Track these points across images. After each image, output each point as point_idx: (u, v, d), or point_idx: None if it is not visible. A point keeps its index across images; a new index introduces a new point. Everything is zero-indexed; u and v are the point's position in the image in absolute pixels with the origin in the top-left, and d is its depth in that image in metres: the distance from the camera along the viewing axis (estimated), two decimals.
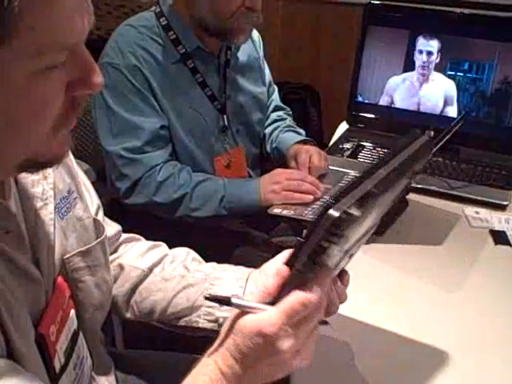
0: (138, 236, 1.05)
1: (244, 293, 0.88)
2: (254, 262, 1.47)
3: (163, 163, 1.45)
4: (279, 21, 3.12)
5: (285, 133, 1.71)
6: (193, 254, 1.01)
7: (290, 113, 1.85)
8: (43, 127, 0.59)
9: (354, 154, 1.62)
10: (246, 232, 1.60)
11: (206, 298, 0.66)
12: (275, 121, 1.78)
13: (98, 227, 0.86)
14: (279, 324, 0.60)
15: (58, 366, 0.73)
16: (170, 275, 0.95)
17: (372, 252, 1.18)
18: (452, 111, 1.68)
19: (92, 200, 0.90)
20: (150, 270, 0.96)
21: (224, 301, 0.64)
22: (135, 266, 0.96)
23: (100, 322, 0.88)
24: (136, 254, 0.99)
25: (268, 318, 0.61)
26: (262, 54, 1.73)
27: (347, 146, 1.66)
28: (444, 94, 1.68)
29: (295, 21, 3.12)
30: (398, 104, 1.72)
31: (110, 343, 1.52)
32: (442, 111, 1.69)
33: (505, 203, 1.41)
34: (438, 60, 1.67)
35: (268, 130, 1.75)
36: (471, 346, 0.96)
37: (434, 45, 1.66)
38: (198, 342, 1.23)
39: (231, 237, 1.55)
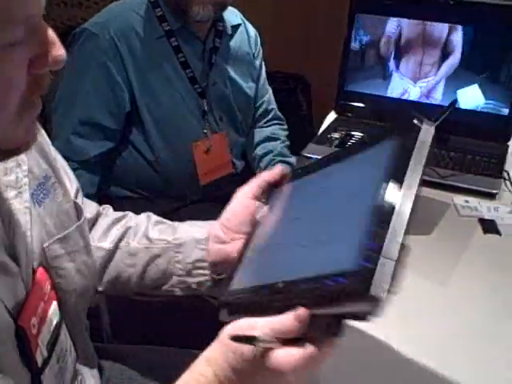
0: (106, 208, 1.04)
1: (208, 253, 0.89)
2: None
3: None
4: (270, 10, 3.10)
5: (274, 165, 1.70)
6: (153, 218, 0.99)
7: (286, 127, 1.85)
8: (6, 112, 0.56)
9: (342, 144, 1.60)
10: None
11: (232, 339, 0.62)
12: (269, 139, 1.76)
13: (79, 211, 0.85)
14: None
15: (40, 359, 0.72)
16: (135, 249, 0.94)
17: None
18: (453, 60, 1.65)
19: (71, 183, 0.89)
20: (116, 247, 0.95)
21: (250, 340, 0.61)
22: (99, 247, 0.95)
23: (84, 309, 0.87)
24: (100, 232, 0.97)
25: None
26: (257, 51, 1.71)
27: (335, 135, 1.64)
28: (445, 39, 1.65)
29: (286, 9, 3.09)
30: (389, 92, 1.71)
31: (98, 338, 1.51)
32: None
33: (494, 191, 1.40)
34: None
35: (259, 152, 1.74)
36: (461, 335, 0.95)
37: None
38: (186, 336, 1.23)
39: None
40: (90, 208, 0.99)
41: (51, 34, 0.58)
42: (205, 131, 1.58)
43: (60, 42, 0.59)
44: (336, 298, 0.56)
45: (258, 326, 0.62)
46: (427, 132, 0.64)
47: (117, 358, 1.06)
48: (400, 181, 0.60)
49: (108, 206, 1.06)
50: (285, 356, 0.60)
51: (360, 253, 0.55)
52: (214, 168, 1.61)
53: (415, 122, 0.65)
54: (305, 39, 3.11)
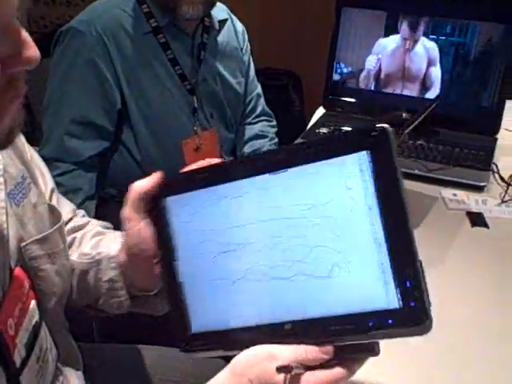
0: (78, 213, 1.00)
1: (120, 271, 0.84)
2: None
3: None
4: (259, 5, 3.09)
5: None
6: (96, 228, 0.94)
7: (274, 123, 1.83)
8: None
9: None
10: None
11: (278, 370, 0.60)
12: (257, 137, 1.75)
13: (54, 213, 0.84)
14: None
15: (18, 360, 0.71)
16: (73, 263, 0.89)
17: None
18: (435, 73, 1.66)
19: (46, 184, 0.88)
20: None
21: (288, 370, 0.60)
22: None
23: (63, 310, 0.86)
24: None
25: None
26: (245, 46, 1.70)
27: (323, 130, 1.64)
28: (428, 57, 1.65)
29: (275, 5, 3.09)
30: (378, 87, 1.70)
31: (88, 338, 1.51)
32: (425, 75, 1.66)
33: (482, 184, 1.40)
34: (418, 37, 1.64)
35: (247, 150, 1.73)
36: (448, 329, 0.95)
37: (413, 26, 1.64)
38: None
39: None
40: (65, 210, 0.95)
41: (24, 34, 0.57)
42: (195, 128, 1.57)
43: (34, 41, 0.58)
44: (383, 333, 0.58)
45: (283, 355, 0.60)
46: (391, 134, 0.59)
47: (104, 359, 1.05)
48: (398, 202, 0.58)
49: (81, 210, 1.02)
50: (315, 381, 0.60)
51: (401, 293, 0.57)
52: None
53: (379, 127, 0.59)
54: (295, 35, 3.11)
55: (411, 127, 1.19)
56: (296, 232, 0.62)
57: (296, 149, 0.64)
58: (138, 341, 1.16)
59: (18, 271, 0.73)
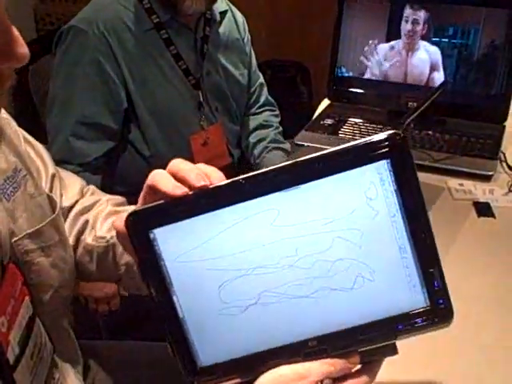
0: (88, 191, 1.01)
1: None
2: None
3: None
4: None
5: (269, 152, 1.67)
6: (109, 207, 0.95)
7: (278, 112, 1.82)
8: None
9: (335, 130, 1.58)
10: None
11: None
12: (262, 127, 1.74)
13: (53, 203, 0.83)
14: None
15: (11, 357, 0.70)
16: (89, 246, 0.91)
17: None
18: (438, 78, 1.63)
19: (47, 170, 0.87)
20: (77, 242, 0.93)
21: None
22: None
23: (65, 302, 0.85)
24: (69, 222, 0.95)
25: None
26: (245, 37, 1.68)
27: (328, 121, 1.62)
28: (430, 62, 1.63)
29: None
30: (383, 76, 1.68)
31: (96, 335, 1.51)
32: (428, 79, 1.64)
33: (490, 173, 1.37)
34: (423, 30, 1.62)
35: (252, 140, 1.72)
36: (455, 317, 0.93)
37: (419, 15, 1.61)
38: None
39: None
40: (72, 192, 0.96)
41: (14, 31, 0.56)
42: (201, 123, 1.56)
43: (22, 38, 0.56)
44: (412, 333, 0.61)
45: (312, 372, 0.60)
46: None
47: (106, 355, 1.05)
48: (419, 206, 0.60)
49: (90, 187, 1.02)
50: None
51: (429, 293, 0.60)
52: (211, 160, 1.59)
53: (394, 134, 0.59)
54: (303, 26, 3.08)
55: (415, 114, 1.17)
56: (314, 248, 0.61)
57: (308, 163, 0.60)
58: (145, 338, 1.15)
59: (10, 268, 0.73)
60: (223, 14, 1.60)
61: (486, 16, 1.55)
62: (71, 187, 0.97)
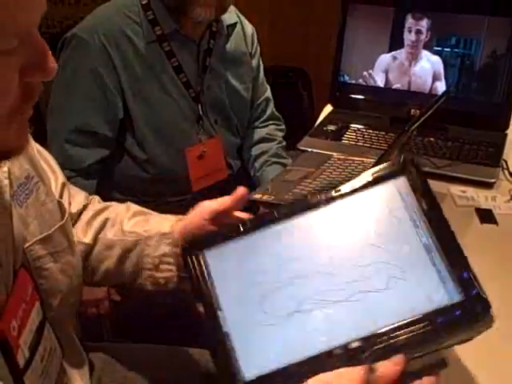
0: (93, 199, 1.04)
1: (174, 248, 0.89)
2: None
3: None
4: (267, 3, 3.08)
5: (269, 166, 1.68)
6: (133, 208, 1.00)
7: (283, 127, 1.82)
8: None
9: (338, 136, 1.59)
10: None
11: None
12: (265, 140, 1.74)
13: (62, 210, 0.85)
14: None
15: (22, 361, 0.71)
16: (111, 242, 0.94)
17: None
18: (441, 87, 1.64)
19: (57, 178, 0.88)
20: (94, 240, 0.96)
21: None
22: (80, 241, 0.95)
23: (72, 308, 0.86)
24: (81, 226, 0.97)
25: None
26: (254, 50, 1.68)
27: (331, 128, 1.63)
28: (433, 71, 1.65)
29: (284, 2, 3.07)
30: (386, 83, 1.69)
31: (97, 337, 1.51)
32: (430, 88, 1.65)
33: (492, 181, 1.38)
34: (426, 38, 1.63)
35: (254, 152, 1.72)
36: None
37: (422, 24, 1.62)
38: (185, 333, 1.22)
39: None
40: (78, 199, 0.99)
41: (44, 45, 0.59)
42: (199, 136, 1.56)
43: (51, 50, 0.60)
44: (453, 328, 0.64)
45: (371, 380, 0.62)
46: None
47: (110, 356, 1.05)
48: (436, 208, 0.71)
49: (95, 196, 1.05)
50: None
51: (461, 285, 0.65)
52: (208, 174, 1.60)
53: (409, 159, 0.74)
54: (304, 32, 3.09)
55: (419, 122, 1.18)
56: (346, 256, 0.69)
57: (335, 195, 0.73)
58: (149, 340, 1.16)
59: (21, 273, 0.74)
60: (232, 26, 1.60)
61: (487, 25, 1.56)
62: (77, 195, 1.01)
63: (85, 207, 1.00)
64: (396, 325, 0.63)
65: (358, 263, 0.68)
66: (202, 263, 0.75)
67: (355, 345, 0.63)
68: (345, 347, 0.64)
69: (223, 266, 0.74)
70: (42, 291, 0.78)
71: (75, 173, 1.46)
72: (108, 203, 1.02)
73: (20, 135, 0.63)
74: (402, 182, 0.71)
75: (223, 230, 0.77)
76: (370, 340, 0.63)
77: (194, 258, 0.76)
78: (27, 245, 0.76)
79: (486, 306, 0.64)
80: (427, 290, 0.65)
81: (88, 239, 0.96)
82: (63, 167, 1.42)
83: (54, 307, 0.80)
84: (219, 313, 0.70)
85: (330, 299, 0.67)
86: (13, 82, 0.57)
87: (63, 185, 0.91)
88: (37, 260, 0.77)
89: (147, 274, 0.92)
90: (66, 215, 0.86)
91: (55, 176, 0.90)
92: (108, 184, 1.57)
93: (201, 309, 0.70)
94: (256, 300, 0.70)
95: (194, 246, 0.77)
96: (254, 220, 0.77)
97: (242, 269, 0.73)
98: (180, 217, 0.93)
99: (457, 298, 0.64)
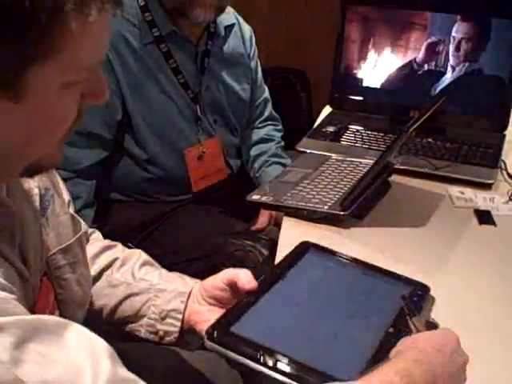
0: (95, 232, 1.05)
1: (185, 308, 0.90)
2: (234, 251, 1.47)
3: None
4: (266, 4, 3.08)
5: (269, 166, 1.68)
6: (144, 256, 1.00)
7: (281, 127, 1.83)
8: (55, 139, 0.62)
9: (336, 137, 1.59)
10: (226, 220, 1.58)
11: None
12: (263, 140, 1.75)
13: (76, 223, 0.86)
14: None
15: None
16: (117, 281, 0.94)
17: (353, 236, 1.16)
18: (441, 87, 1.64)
19: (65, 195, 0.89)
20: (100, 274, 0.96)
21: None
22: None
23: (80, 320, 0.86)
24: (89, 256, 0.97)
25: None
26: (252, 51, 1.69)
27: (330, 129, 1.63)
28: (432, 72, 1.64)
29: (282, 4, 3.07)
30: (385, 85, 1.69)
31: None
32: (430, 89, 1.65)
33: (490, 182, 1.38)
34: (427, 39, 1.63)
35: (253, 153, 1.73)
36: (456, 326, 0.94)
37: (423, 24, 1.62)
38: None
39: (211, 225, 1.53)
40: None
41: (104, 77, 0.65)
42: (198, 136, 1.57)
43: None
44: None
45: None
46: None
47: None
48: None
49: (96, 230, 1.06)
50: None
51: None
52: (207, 174, 1.60)
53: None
54: (303, 33, 3.10)
55: (419, 122, 1.18)
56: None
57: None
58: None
59: (45, 281, 0.75)
60: (229, 28, 1.60)
61: (492, 26, 1.56)
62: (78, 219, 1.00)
63: (91, 234, 1.01)
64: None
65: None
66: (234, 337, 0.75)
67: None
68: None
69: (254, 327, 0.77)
70: (60, 301, 0.79)
71: (75, 173, 1.46)
72: (114, 242, 1.03)
73: (60, 151, 0.67)
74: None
75: (242, 301, 0.82)
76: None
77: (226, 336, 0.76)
78: (50, 253, 0.77)
79: None
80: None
81: (94, 272, 0.96)
82: (62, 169, 1.45)
83: (68, 318, 0.80)
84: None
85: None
86: (75, 109, 0.61)
87: (69, 202, 0.91)
88: (57, 269, 0.78)
89: (148, 323, 0.92)
90: (83, 227, 0.87)
91: (65, 192, 0.91)
92: (107, 185, 1.57)
93: None
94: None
95: (222, 326, 0.76)
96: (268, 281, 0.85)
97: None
98: (196, 280, 0.94)
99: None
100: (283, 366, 0.68)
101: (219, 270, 1.43)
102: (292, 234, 1.16)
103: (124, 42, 1.43)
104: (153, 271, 0.97)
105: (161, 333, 0.91)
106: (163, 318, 0.91)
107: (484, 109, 1.61)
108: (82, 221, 0.89)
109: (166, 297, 0.91)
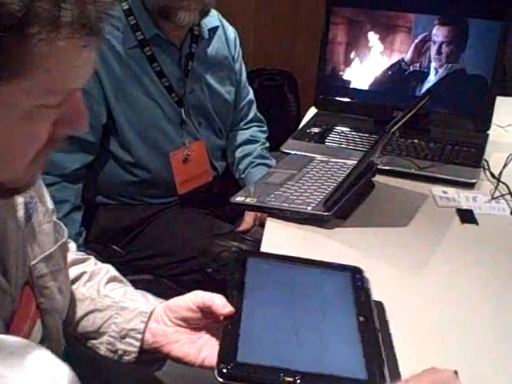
0: (72, 243, 1.03)
1: (146, 328, 0.88)
2: (219, 252, 1.47)
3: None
4: (253, 5, 3.09)
5: (254, 167, 1.68)
6: (112, 272, 0.98)
7: (265, 128, 1.84)
8: (24, 161, 0.60)
9: (321, 139, 1.60)
10: (212, 222, 1.59)
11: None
12: (248, 142, 1.75)
13: (58, 230, 0.85)
14: None
15: None
16: (82, 296, 0.93)
17: (336, 237, 1.17)
18: (424, 89, 1.65)
19: (49, 203, 0.88)
20: None
21: None
22: None
23: (61, 329, 0.86)
24: None
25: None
26: (236, 54, 1.69)
27: (315, 130, 1.63)
28: (417, 73, 1.65)
29: (269, 5, 3.08)
30: (370, 85, 1.70)
31: None
32: (415, 90, 1.66)
33: (473, 181, 1.39)
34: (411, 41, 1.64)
35: (238, 154, 1.73)
36: (439, 323, 0.95)
37: (406, 26, 1.63)
38: None
39: (196, 227, 1.54)
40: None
41: (81, 104, 0.63)
42: (183, 140, 1.57)
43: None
44: None
45: None
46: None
47: (94, 364, 1.05)
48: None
49: (71, 240, 1.04)
50: None
51: (367, 367, 0.75)
52: (192, 177, 1.61)
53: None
54: (290, 35, 3.11)
55: (401, 122, 1.19)
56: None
57: None
58: None
59: (27, 290, 0.75)
60: (213, 30, 1.61)
61: (470, 27, 1.57)
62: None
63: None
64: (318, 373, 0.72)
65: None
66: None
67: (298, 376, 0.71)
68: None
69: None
70: (42, 310, 0.78)
71: (61, 178, 1.46)
72: (86, 256, 1.01)
73: (35, 175, 0.67)
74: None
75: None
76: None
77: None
78: (33, 262, 0.76)
79: None
80: (345, 359, 0.76)
81: None
82: (47, 173, 1.45)
83: (49, 326, 0.80)
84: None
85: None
86: (45, 132, 0.60)
87: (52, 211, 0.90)
88: (40, 278, 0.77)
89: (108, 341, 0.90)
90: (66, 234, 0.86)
91: (49, 200, 0.90)
92: (93, 188, 1.57)
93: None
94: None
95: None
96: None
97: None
98: (160, 300, 0.93)
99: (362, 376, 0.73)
100: (304, 381, 0.70)
101: (205, 271, 1.46)
102: (275, 235, 1.17)
103: (107, 46, 1.43)
104: (118, 288, 0.95)
105: (120, 352, 0.89)
106: (123, 337, 0.89)
107: (467, 109, 1.62)
108: (65, 228, 0.88)
109: (128, 315, 0.89)
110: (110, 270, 0.99)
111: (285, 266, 0.94)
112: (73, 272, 0.95)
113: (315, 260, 0.97)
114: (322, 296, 0.87)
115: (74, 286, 0.95)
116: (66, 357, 0.98)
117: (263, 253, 0.98)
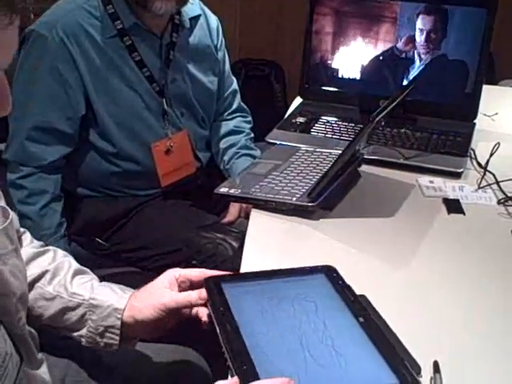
0: (27, 233, 1.02)
1: (122, 323, 0.90)
2: (204, 244, 1.45)
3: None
4: None
5: (239, 158, 1.66)
6: (74, 265, 0.98)
7: (250, 119, 1.81)
8: None
9: (307, 128, 1.58)
10: (196, 213, 1.57)
11: None
12: (233, 132, 1.73)
13: (5, 213, 0.83)
14: None
15: None
16: (50, 295, 0.93)
17: (321, 228, 1.15)
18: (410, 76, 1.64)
19: None
20: (31, 285, 0.93)
21: None
22: None
23: (24, 313, 0.84)
24: None
25: None
26: (219, 43, 1.66)
27: (300, 120, 1.62)
28: (403, 62, 1.64)
29: None
30: (355, 74, 1.68)
31: None
32: (401, 79, 1.64)
33: (459, 171, 1.38)
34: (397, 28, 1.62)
35: (222, 145, 1.71)
36: (427, 314, 0.94)
37: (392, 15, 1.61)
38: None
39: (181, 219, 1.52)
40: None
41: (6, 88, 0.61)
42: (165, 131, 1.55)
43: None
44: None
45: None
46: None
47: (74, 356, 1.03)
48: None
49: (26, 230, 1.02)
50: None
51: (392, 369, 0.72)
52: (175, 168, 1.58)
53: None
54: (276, 25, 3.09)
55: (386, 111, 1.17)
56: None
57: None
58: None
59: None
60: (195, 19, 1.58)
61: (456, 15, 1.56)
62: None
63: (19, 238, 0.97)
64: None
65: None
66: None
67: None
68: None
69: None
70: None
71: (38, 169, 1.44)
72: (45, 248, 1.00)
73: None
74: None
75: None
76: None
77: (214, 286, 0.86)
78: None
79: None
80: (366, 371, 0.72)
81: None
82: (25, 165, 1.43)
83: (7, 311, 0.78)
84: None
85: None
86: None
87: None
88: None
89: (87, 334, 0.92)
90: (10, 218, 0.83)
91: None
92: (75, 180, 1.55)
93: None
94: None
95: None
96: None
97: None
98: (128, 292, 0.93)
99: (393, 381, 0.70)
100: None
101: (190, 263, 1.44)
102: (260, 227, 1.15)
103: (86, 35, 1.40)
104: (85, 282, 0.95)
105: (101, 344, 0.92)
106: (101, 334, 0.91)
107: (454, 98, 1.61)
108: (11, 212, 0.85)
109: (102, 313, 0.90)
110: (71, 262, 0.98)
111: (259, 283, 0.88)
112: (35, 267, 0.95)
113: (283, 269, 0.92)
114: (312, 305, 0.84)
115: (39, 284, 0.94)
116: (66, 345, 0.99)
117: (230, 275, 0.91)
